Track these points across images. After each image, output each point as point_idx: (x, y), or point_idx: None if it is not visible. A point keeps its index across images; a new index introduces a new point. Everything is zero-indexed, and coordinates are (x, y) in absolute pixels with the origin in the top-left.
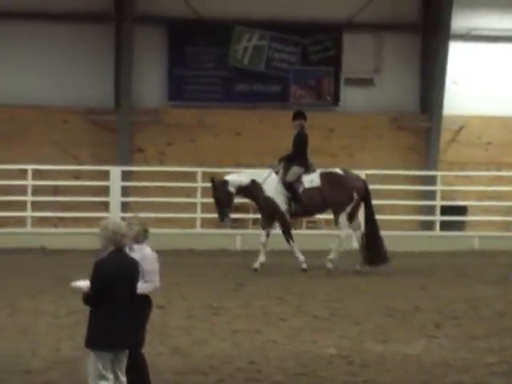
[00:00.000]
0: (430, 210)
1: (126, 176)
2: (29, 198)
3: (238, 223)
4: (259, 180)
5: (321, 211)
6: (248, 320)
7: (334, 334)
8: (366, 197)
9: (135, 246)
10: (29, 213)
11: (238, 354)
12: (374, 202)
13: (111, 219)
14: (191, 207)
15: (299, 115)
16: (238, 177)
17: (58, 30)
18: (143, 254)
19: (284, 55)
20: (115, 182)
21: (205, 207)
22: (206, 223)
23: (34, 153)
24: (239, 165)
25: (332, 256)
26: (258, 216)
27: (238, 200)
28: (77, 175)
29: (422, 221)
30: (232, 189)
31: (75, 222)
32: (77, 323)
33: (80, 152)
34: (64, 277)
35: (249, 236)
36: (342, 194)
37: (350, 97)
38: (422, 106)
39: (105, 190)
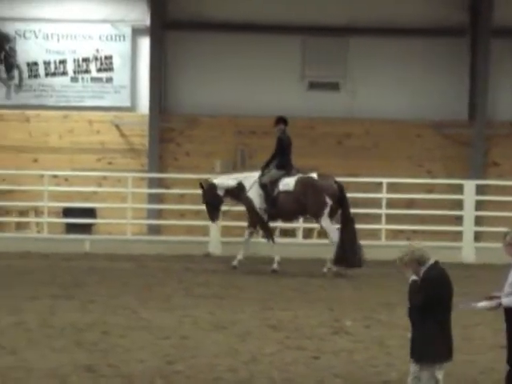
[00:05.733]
0: None
1: (480, 190)
2: (383, 210)
3: None
4: (246, 182)
5: (295, 216)
6: None
7: None
8: (341, 202)
9: None
10: (383, 225)
11: None
12: None
13: (411, 243)
14: None
15: (280, 121)
16: (225, 180)
17: (411, 45)
18: None
19: None
20: (469, 195)
21: None
22: None
23: (389, 166)
24: None
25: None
26: None
27: None
28: (430, 189)
29: None
30: (220, 192)
31: (428, 235)
32: None
33: (433, 165)
34: None
35: None
36: (315, 199)
37: None
38: None
39: (458, 204)
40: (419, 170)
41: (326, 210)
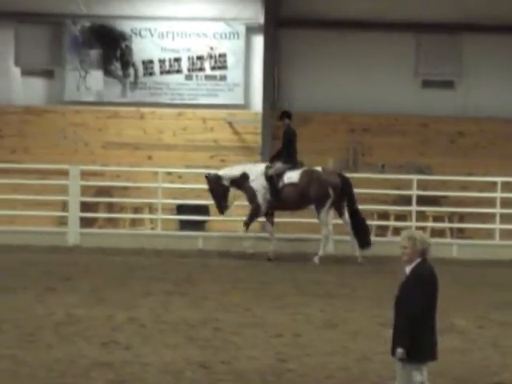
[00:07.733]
0: None
1: None
2: (498, 210)
3: None
4: (250, 173)
5: (298, 207)
6: None
7: None
8: (346, 192)
9: None
10: (497, 225)
11: None
12: None
13: (417, 232)
14: None
15: (285, 115)
16: (230, 171)
17: None
18: None
19: None
20: None
21: None
22: None
23: (504, 165)
24: None
25: (320, 253)
26: None
27: None
28: None
29: None
30: (226, 182)
31: None
32: None
33: None
34: None
35: None
36: (318, 191)
37: None
38: None
39: None
40: None
41: (328, 203)
